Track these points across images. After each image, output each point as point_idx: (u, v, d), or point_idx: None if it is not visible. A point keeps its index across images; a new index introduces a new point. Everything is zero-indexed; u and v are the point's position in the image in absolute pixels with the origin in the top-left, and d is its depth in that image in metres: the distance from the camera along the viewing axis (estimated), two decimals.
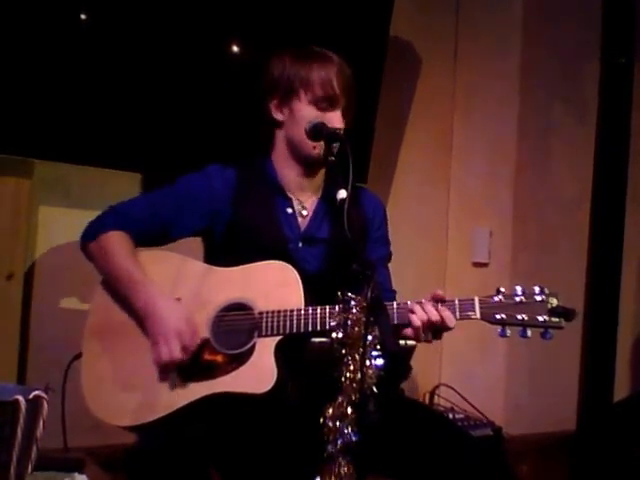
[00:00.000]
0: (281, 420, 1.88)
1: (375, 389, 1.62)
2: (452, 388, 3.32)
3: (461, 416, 3.16)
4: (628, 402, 3.51)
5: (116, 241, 2.01)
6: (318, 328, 1.87)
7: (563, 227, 3.51)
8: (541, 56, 3.42)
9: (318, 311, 1.88)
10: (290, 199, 2.10)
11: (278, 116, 2.08)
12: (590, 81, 3.54)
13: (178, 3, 2.66)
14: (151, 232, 2.06)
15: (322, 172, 2.12)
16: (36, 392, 1.59)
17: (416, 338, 1.90)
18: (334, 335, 1.70)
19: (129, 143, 2.64)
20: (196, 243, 2.15)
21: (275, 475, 1.85)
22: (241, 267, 1.98)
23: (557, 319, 1.85)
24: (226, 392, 1.86)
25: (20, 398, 1.55)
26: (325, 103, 2.02)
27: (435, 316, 1.85)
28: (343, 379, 1.65)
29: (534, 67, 3.41)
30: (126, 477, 1.97)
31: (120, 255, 1.99)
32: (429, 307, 1.86)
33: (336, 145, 1.91)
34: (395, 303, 1.89)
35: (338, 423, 1.63)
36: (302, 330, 1.88)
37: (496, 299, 1.87)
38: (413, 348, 2.08)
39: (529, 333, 1.86)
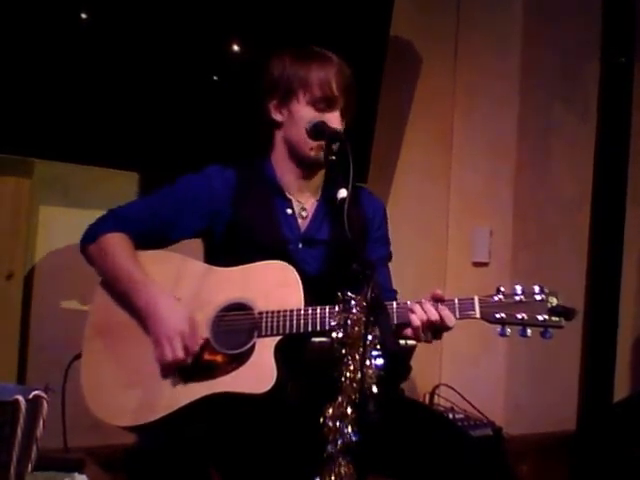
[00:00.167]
0: (281, 420, 1.88)
1: (375, 389, 1.62)
2: (452, 388, 3.32)
3: (461, 416, 3.15)
4: (628, 402, 3.50)
5: (116, 242, 2.01)
6: (318, 328, 1.87)
7: (563, 226, 3.50)
8: (541, 56, 3.42)
9: (318, 311, 1.88)
10: (290, 200, 2.10)
11: (277, 117, 2.08)
12: (590, 81, 3.54)
13: (178, 3, 2.66)
14: (151, 233, 2.05)
15: (321, 173, 2.12)
16: (36, 392, 1.59)
17: (416, 338, 1.89)
18: (334, 335, 1.71)
19: (129, 143, 2.64)
20: (196, 243, 2.15)
21: (275, 475, 1.85)
22: (241, 267, 1.98)
23: (557, 318, 1.84)
24: (226, 392, 1.86)
25: (20, 398, 1.55)
26: (323, 104, 2.01)
27: (434, 316, 1.85)
28: (343, 379, 1.65)
29: (534, 67, 3.41)
30: (126, 477, 1.97)
31: (120, 256, 1.99)
32: (428, 307, 1.86)
33: (336, 145, 1.91)
34: (395, 303, 1.89)
35: (338, 423, 1.63)
36: (302, 330, 1.88)
37: (496, 298, 1.87)
38: (413, 348, 2.07)
39: (529, 332, 1.85)
